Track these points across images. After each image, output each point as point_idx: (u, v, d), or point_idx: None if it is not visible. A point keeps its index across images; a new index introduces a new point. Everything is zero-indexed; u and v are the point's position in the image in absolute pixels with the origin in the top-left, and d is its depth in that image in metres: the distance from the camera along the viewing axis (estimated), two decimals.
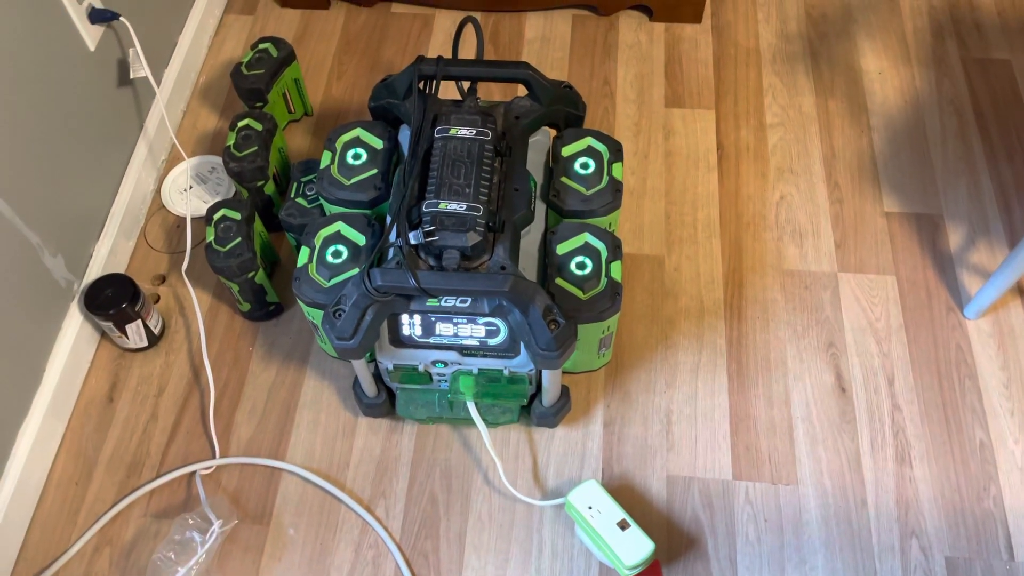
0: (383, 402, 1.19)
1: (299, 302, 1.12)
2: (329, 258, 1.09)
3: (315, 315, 1.11)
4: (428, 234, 0.99)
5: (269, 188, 1.33)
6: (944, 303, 1.31)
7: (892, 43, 1.62)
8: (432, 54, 1.63)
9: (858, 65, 1.59)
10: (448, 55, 1.62)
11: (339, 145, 1.18)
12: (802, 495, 1.16)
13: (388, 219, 1.10)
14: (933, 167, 1.45)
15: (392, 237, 1.02)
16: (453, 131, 1.08)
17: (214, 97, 1.59)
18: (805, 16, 1.66)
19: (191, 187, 1.46)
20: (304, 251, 1.10)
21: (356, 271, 1.07)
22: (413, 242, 1.00)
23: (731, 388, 1.25)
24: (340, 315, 1.01)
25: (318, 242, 1.10)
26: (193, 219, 1.41)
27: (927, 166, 1.46)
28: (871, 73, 1.57)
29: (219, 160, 1.48)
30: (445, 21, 1.68)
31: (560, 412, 1.19)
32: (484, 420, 1.14)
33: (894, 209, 1.41)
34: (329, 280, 1.07)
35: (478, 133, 1.08)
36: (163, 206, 1.45)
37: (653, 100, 1.55)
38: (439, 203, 1.02)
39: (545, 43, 1.64)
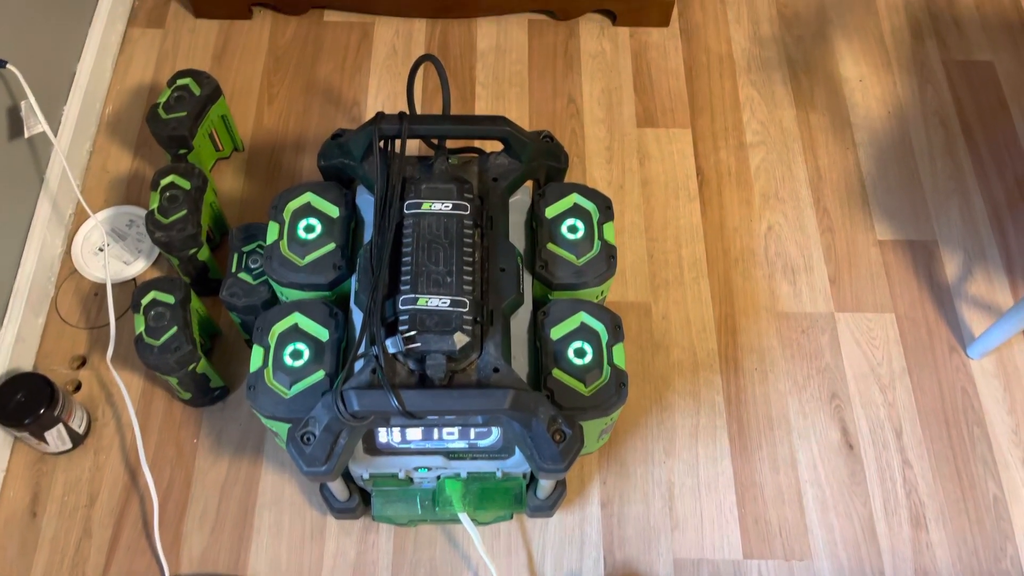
0: (356, 505, 1.05)
1: (255, 413, 0.96)
2: (288, 360, 0.93)
3: (276, 426, 0.96)
4: (408, 339, 0.85)
5: (203, 254, 1.15)
6: (946, 342, 1.24)
7: (870, 45, 1.51)
8: (375, 70, 1.45)
9: (837, 72, 1.48)
10: (394, 71, 1.45)
11: (287, 215, 1.01)
12: (817, 571, 1.09)
13: (352, 309, 0.95)
14: (923, 187, 1.37)
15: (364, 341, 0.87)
16: (426, 206, 0.93)
17: (124, 130, 1.37)
18: (777, 16, 1.54)
19: (108, 245, 1.26)
20: (257, 351, 0.94)
21: (321, 374, 0.91)
22: (391, 350, 0.86)
23: (734, 452, 1.16)
24: (309, 440, 0.86)
25: (273, 340, 0.94)
26: (114, 284, 1.22)
27: (916, 186, 1.37)
28: (851, 81, 1.47)
29: (138, 212, 1.29)
30: (386, 31, 1.49)
31: (557, 502, 1.07)
32: (474, 520, 1.02)
33: (887, 237, 1.32)
34: (290, 388, 0.92)
35: (455, 207, 0.93)
36: (75, 270, 1.25)
37: (624, 119, 1.42)
38: (418, 299, 0.87)
39: (500, 54, 1.48)
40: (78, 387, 1.17)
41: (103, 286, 1.23)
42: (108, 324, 1.18)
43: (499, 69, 1.47)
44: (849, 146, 1.41)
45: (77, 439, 1.11)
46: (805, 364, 1.22)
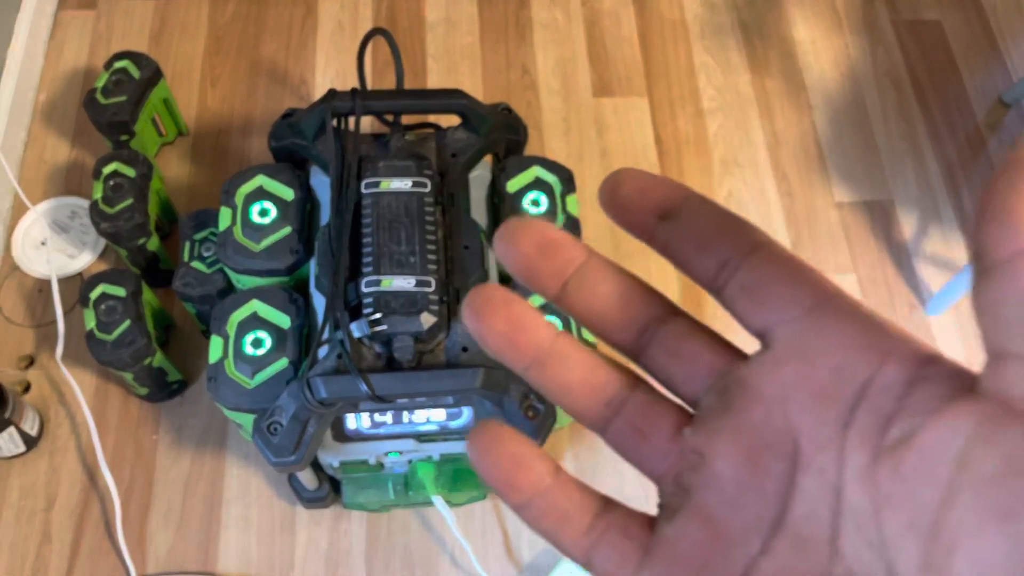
0: (327, 494, 1.03)
1: (218, 405, 0.93)
2: (249, 349, 0.90)
3: (240, 417, 0.93)
4: (374, 322, 0.83)
5: (153, 244, 1.11)
6: (906, 300, 1.26)
7: (821, 7, 1.51)
8: (321, 47, 1.41)
9: (790, 36, 1.48)
10: (341, 47, 1.41)
11: (239, 199, 0.97)
12: None
13: (312, 294, 0.92)
14: (878, 148, 1.38)
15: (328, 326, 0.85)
16: (384, 184, 0.90)
17: (60, 118, 1.31)
18: None
19: (50, 238, 1.20)
20: (216, 342, 0.91)
21: (284, 362, 0.89)
22: (356, 334, 0.83)
23: None
24: (276, 430, 0.84)
25: (232, 329, 0.91)
26: (60, 279, 1.17)
27: (872, 148, 1.38)
28: (804, 44, 1.47)
29: (80, 203, 1.23)
30: (331, 5, 1.45)
31: None
32: (448, 502, 1.00)
33: (845, 199, 1.33)
34: (253, 377, 0.89)
35: (414, 184, 0.90)
36: (17, 266, 1.20)
37: (580, 90, 1.40)
38: (381, 280, 0.85)
39: (450, 27, 1.45)
40: (27, 388, 1.12)
41: (47, 282, 1.18)
42: (55, 321, 1.14)
43: (450, 41, 1.43)
44: (804, 109, 1.41)
45: (30, 442, 1.07)
46: None
